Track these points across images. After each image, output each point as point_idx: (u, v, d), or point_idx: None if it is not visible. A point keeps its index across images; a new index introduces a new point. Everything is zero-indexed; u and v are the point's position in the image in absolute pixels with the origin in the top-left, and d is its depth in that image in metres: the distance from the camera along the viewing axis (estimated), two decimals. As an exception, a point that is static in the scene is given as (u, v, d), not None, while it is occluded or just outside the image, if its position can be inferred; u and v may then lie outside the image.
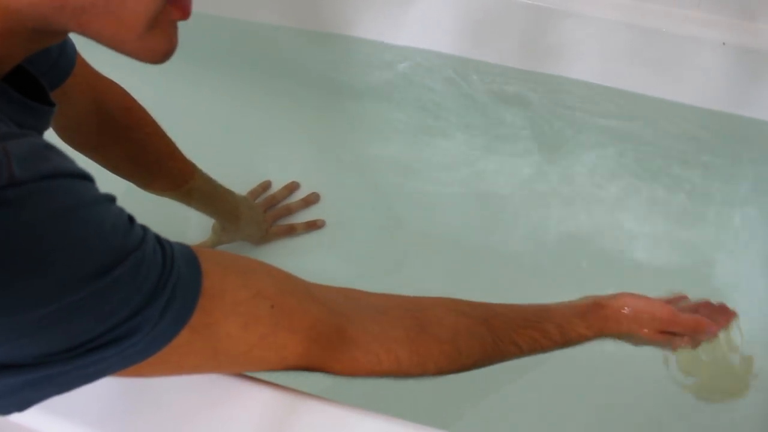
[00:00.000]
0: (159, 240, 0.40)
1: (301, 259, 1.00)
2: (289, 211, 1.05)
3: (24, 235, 0.32)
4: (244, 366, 0.47)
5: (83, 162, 0.74)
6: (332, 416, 0.51)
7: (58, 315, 0.34)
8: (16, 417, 0.49)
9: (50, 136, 0.46)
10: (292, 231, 1.02)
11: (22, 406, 0.38)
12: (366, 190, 1.08)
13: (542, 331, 0.60)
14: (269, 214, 1.03)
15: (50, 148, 0.36)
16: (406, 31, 1.19)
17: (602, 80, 1.11)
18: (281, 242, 1.02)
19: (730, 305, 0.91)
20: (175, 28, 0.40)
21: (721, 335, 0.88)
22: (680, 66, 1.06)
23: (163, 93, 0.84)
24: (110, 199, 0.38)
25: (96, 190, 0.37)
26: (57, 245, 0.33)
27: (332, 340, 0.47)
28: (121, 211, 0.38)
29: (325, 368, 0.49)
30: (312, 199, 1.06)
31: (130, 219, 0.39)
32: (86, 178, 0.37)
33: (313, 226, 1.03)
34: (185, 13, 0.40)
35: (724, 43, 1.01)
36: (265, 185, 1.07)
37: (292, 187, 1.07)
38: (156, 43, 0.39)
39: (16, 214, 0.31)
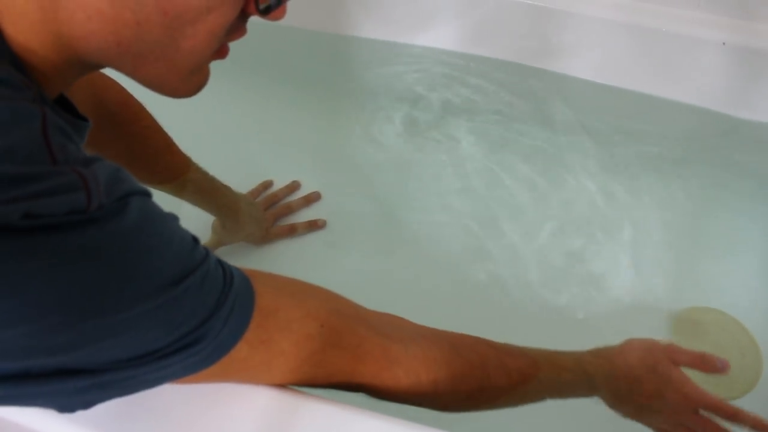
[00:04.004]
0: (218, 259, 0.43)
1: (301, 258, 1.00)
2: (290, 209, 1.04)
3: (110, 247, 0.35)
4: (293, 381, 0.49)
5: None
6: (332, 416, 0.51)
7: (137, 320, 0.37)
8: (15, 417, 0.49)
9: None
10: (293, 231, 1.02)
11: (87, 405, 0.41)
12: (367, 190, 1.08)
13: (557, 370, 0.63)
14: (270, 212, 1.03)
15: (120, 168, 0.39)
16: (408, 30, 1.19)
17: (603, 79, 1.11)
18: (282, 242, 1.02)
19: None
20: (208, 66, 0.44)
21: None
22: (680, 66, 1.06)
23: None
24: (175, 217, 0.41)
25: (158, 206, 0.40)
26: (138, 256, 0.37)
27: (377, 358, 0.50)
28: (186, 230, 0.41)
29: (369, 386, 0.51)
30: (313, 198, 1.06)
31: (194, 238, 0.42)
32: (147, 193, 0.40)
33: (314, 225, 1.03)
34: (224, 56, 0.44)
35: (724, 43, 1.01)
36: (267, 184, 1.07)
37: (294, 187, 1.08)
38: (194, 82, 0.43)
39: (105, 229, 0.35)
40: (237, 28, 0.43)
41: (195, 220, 0.95)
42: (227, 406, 0.51)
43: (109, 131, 0.76)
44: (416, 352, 0.53)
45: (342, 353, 0.49)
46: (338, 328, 0.49)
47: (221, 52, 0.43)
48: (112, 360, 0.38)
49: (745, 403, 0.84)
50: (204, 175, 0.88)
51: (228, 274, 0.43)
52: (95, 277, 0.35)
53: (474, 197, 1.05)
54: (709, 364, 0.69)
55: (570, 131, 1.12)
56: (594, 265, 0.97)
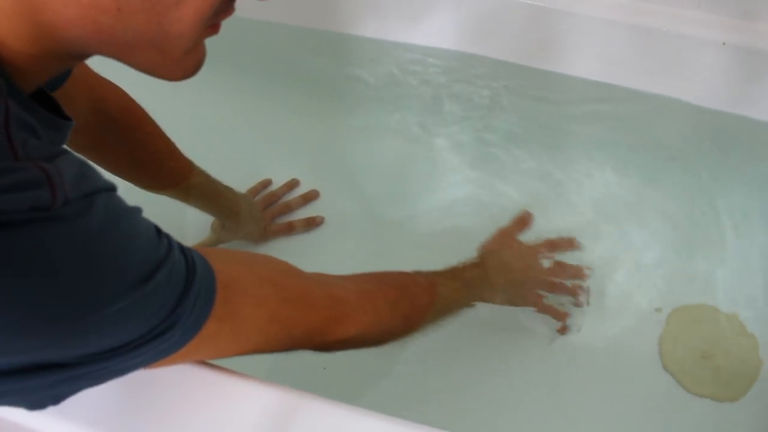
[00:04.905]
0: (178, 245, 0.43)
1: (300, 257, 1.00)
2: (289, 208, 1.04)
3: (80, 248, 0.35)
4: (259, 345, 0.51)
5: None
6: (332, 416, 0.51)
7: (109, 318, 0.36)
8: (15, 417, 0.49)
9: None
10: (291, 229, 1.02)
11: (57, 399, 0.41)
12: (365, 188, 1.08)
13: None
14: (268, 211, 1.03)
15: (84, 164, 0.38)
16: (407, 29, 1.19)
17: (602, 80, 1.11)
18: (280, 240, 1.02)
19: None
20: (204, 43, 0.43)
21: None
22: (680, 66, 1.06)
23: (163, 93, 0.84)
24: (139, 209, 0.40)
25: (123, 201, 0.39)
26: (107, 256, 0.36)
27: (325, 302, 0.55)
28: (149, 221, 0.41)
29: (323, 334, 0.55)
30: (311, 196, 1.06)
31: (156, 229, 0.41)
32: (113, 189, 0.39)
33: (312, 223, 1.03)
34: (217, 31, 0.42)
35: (724, 43, 1.01)
36: (265, 183, 1.07)
37: (292, 185, 1.07)
38: (188, 63, 0.42)
39: (72, 228, 0.34)
40: (225, 7, 0.41)
41: (195, 220, 0.95)
42: (227, 405, 0.51)
43: (110, 137, 0.76)
44: (353, 287, 0.59)
45: (296, 306, 0.52)
46: (287, 285, 0.52)
47: (213, 28, 0.42)
48: (84, 354, 0.37)
49: (745, 401, 0.84)
50: (206, 178, 0.88)
51: (190, 259, 0.43)
52: (66, 279, 0.34)
53: (472, 195, 1.05)
54: (523, 221, 0.91)
55: (569, 132, 1.12)
56: (593, 261, 0.97)
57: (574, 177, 1.06)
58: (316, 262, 0.98)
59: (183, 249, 0.43)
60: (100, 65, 0.70)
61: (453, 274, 0.77)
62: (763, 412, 0.83)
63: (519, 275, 0.85)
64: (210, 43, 0.44)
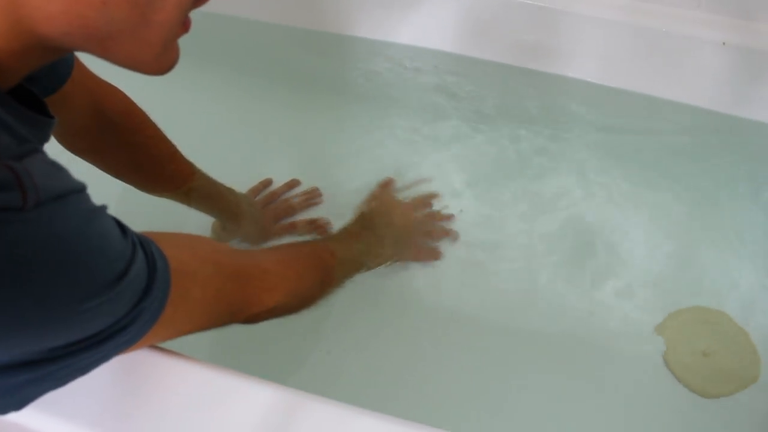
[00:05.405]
0: (137, 236, 0.43)
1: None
2: (292, 210, 1.04)
3: (54, 250, 0.34)
4: (207, 322, 0.53)
5: (83, 165, 0.74)
6: (332, 416, 0.51)
7: (80, 316, 0.36)
8: (16, 417, 0.49)
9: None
10: (293, 229, 1.02)
11: (21, 404, 0.40)
12: (367, 189, 1.08)
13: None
14: (270, 210, 1.03)
15: (54, 164, 0.38)
16: (405, 30, 1.19)
17: (602, 80, 1.11)
18: (282, 240, 1.02)
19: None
20: (178, 43, 0.44)
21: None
22: (680, 66, 1.06)
23: (162, 93, 0.84)
24: (105, 208, 0.40)
25: (92, 201, 0.39)
26: (80, 257, 0.36)
27: (256, 274, 0.59)
28: (113, 219, 0.41)
29: (258, 303, 0.58)
30: (313, 195, 1.06)
31: (120, 225, 0.41)
32: (83, 189, 0.39)
33: (315, 224, 1.03)
34: (188, 29, 0.43)
35: (724, 43, 1.01)
36: (266, 183, 1.07)
37: (292, 184, 1.07)
38: (167, 58, 0.42)
39: (45, 230, 0.34)
40: None
41: (195, 221, 0.95)
42: (227, 406, 0.51)
43: (111, 140, 0.76)
44: (275, 258, 0.65)
45: (233, 282, 0.55)
46: (225, 262, 0.55)
47: (185, 26, 0.43)
48: (51, 348, 0.37)
49: (746, 400, 0.84)
50: (208, 180, 0.88)
51: (150, 254, 0.43)
52: (39, 281, 0.33)
53: (471, 197, 1.05)
54: (388, 183, 1.04)
55: (568, 133, 1.12)
56: (593, 263, 0.97)
57: (573, 179, 1.06)
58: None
59: (141, 242, 0.43)
60: (100, 67, 0.70)
61: (346, 236, 0.85)
62: (762, 410, 0.83)
63: (402, 230, 0.95)
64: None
